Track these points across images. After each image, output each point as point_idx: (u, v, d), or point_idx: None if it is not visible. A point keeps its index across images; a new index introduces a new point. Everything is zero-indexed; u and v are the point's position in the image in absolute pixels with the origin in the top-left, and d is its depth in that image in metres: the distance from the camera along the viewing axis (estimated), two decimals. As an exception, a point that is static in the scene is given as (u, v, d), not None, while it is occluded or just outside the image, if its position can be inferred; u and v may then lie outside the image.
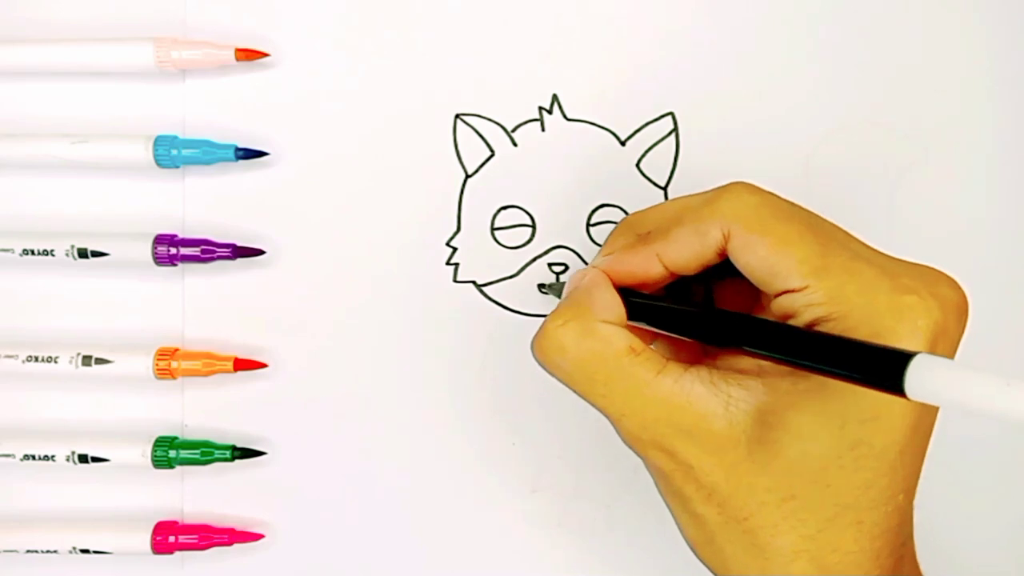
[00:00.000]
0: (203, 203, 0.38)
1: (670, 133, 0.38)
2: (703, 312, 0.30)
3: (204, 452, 0.37)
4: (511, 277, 0.38)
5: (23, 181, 0.39)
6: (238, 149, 0.37)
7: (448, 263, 0.38)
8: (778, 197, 0.29)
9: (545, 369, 0.30)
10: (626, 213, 0.38)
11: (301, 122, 0.38)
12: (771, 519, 0.27)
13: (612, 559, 0.38)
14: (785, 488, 0.27)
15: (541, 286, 0.37)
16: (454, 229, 0.38)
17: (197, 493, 0.38)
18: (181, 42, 0.37)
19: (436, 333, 0.38)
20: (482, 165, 0.38)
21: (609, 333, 0.29)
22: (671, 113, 0.38)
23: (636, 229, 0.32)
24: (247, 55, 0.37)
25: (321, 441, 0.38)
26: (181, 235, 0.38)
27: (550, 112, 0.38)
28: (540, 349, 0.29)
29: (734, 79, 0.38)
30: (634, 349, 0.28)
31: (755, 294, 0.31)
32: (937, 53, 0.38)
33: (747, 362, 0.28)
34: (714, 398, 0.28)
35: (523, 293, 0.38)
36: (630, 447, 0.30)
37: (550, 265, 0.38)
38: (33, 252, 0.37)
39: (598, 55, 0.38)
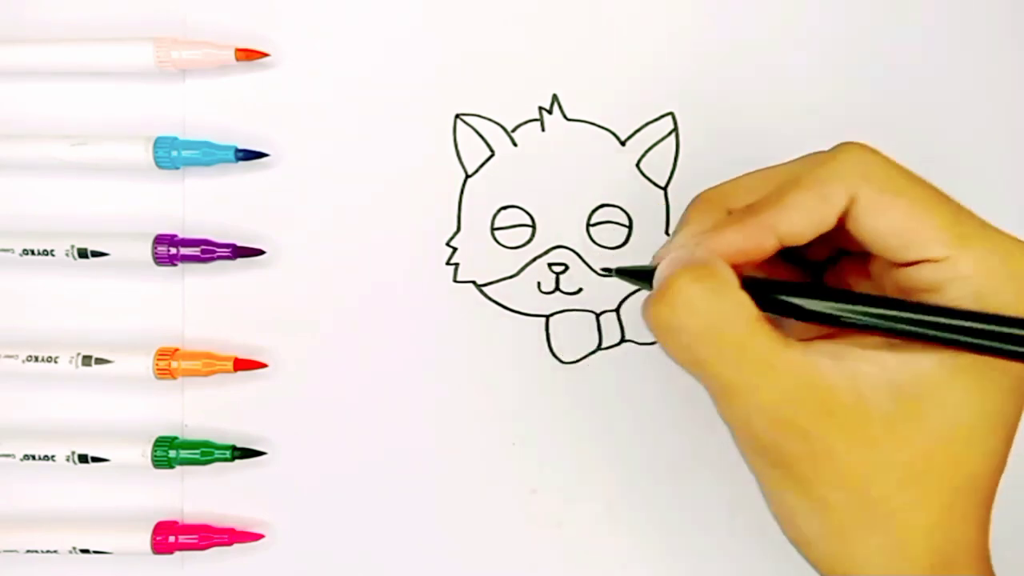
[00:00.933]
0: (203, 203, 0.38)
1: (670, 133, 0.38)
2: (835, 292, 0.27)
3: (204, 452, 0.37)
4: (511, 277, 0.38)
5: (23, 181, 0.39)
6: (238, 150, 0.37)
7: (448, 263, 0.38)
8: (892, 159, 0.27)
9: (659, 332, 0.27)
10: (626, 213, 0.38)
11: (301, 122, 0.38)
12: (909, 497, 0.26)
13: (612, 559, 0.38)
14: (923, 463, 0.25)
15: (608, 270, 0.33)
16: (454, 229, 0.38)
17: (197, 493, 0.38)
18: (181, 42, 0.37)
19: (436, 333, 0.38)
20: (482, 165, 0.38)
21: (742, 297, 0.26)
22: (671, 113, 0.38)
23: (723, 204, 0.29)
24: (247, 55, 0.37)
25: (321, 441, 0.38)
26: (181, 235, 0.38)
27: (550, 112, 0.38)
28: (667, 304, 0.26)
29: (734, 79, 0.38)
30: (760, 318, 0.26)
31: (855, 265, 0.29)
32: (937, 53, 0.38)
33: (871, 336, 0.26)
34: (841, 373, 0.26)
35: (523, 293, 0.38)
36: (745, 428, 0.27)
37: (550, 265, 0.38)
38: (33, 252, 0.37)
39: (598, 55, 0.38)
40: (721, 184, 0.30)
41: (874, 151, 0.27)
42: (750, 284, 0.27)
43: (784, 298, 0.27)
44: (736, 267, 0.27)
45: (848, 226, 0.26)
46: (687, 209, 0.30)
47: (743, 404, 0.26)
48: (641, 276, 0.30)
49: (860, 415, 0.25)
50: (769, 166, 0.30)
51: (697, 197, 0.30)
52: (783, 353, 0.26)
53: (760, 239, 0.27)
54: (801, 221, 0.26)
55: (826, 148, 0.34)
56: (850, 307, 0.26)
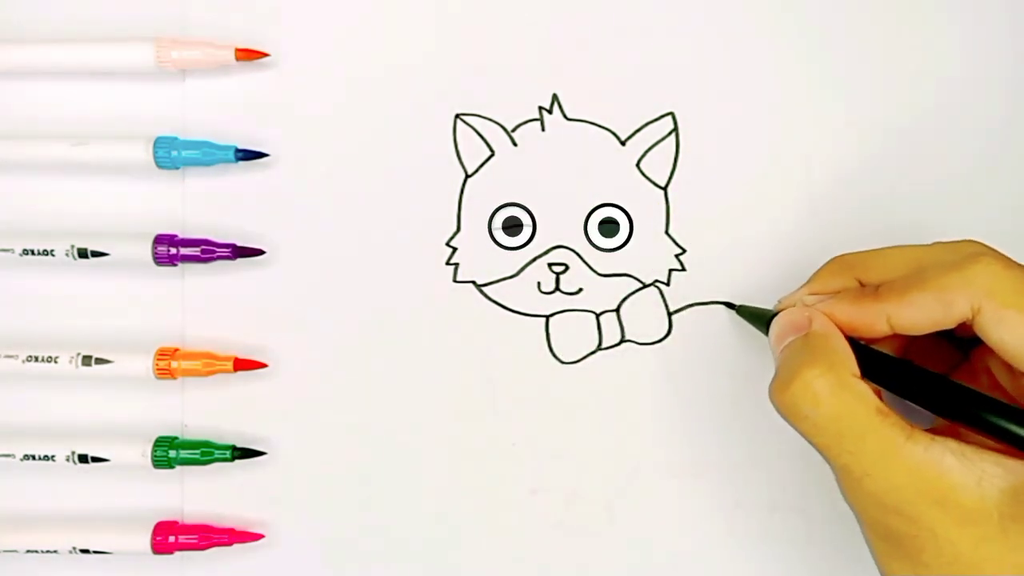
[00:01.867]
0: (203, 203, 0.38)
1: (670, 133, 0.38)
2: (958, 390, 0.28)
3: (204, 452, 0.37)
4: (511, 277, 0.38)
5: (23, 181, 0.39)
6: (238, 150, 0.37)
7: (448, 263, 0.38)
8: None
9: (785, 415, 0.29)
10: (626, 213, 0.38)
11: (301, 122, 0.38)
12: None
13: (612, 559, 0.38)
14: None
15: (730, 305, 0.37)
16: (454, 229, 0.38)
17: (197, 493, 0.38)
18: (181, 42, 0.37)
19: (436, 333, 0.38)
20: (482, 165, 0.38)
21: (863, 389, 0.28)
22: (671, 113, 0.38)
23: (856, 272, 0.31)
24: (247, 55, 0.37)
25: (321, 441, 0.38)
26: (181, 235, 0.38)
27: (550, 112, 0.38)
28: (792, 396, 0.28)
29: (734, 79, 0.38)
30: (882, 410, 0.27)
31: (955, 354, 0.30)
32: (937, 53, 0.38)
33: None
34: (966, 471, 0.27)
35: (523, 293, 0.38)
36: (858, 505, 0.28)
37: (550, 265, 0.38)
38: (33, 252, 0.37)
39: (598, 55, 0.38)
40: (862, 252, 0.32)
41: (1004, 263, 0.28)
42: (880, 365, 0.29)
43: (906, 388, 0.29)
44: (870, 340, 0.29)
45: (975, 329, 0.28)
46: (824, 265, 0.33)
47: (858, 487, 0.28)
48: (760, 318, 0.33)
49: (980, 513, 0.27)
50: (908, 245, 0.31)
51: (836, 258, 0.33)
52: (903, 446, 0.27)
53: (874, 324, 0.29)
54: (917, 319, 0.28)
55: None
56: (973, 410, 0.28)
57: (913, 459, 0.27)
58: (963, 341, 0.32)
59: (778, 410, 0.29)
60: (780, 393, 0.28)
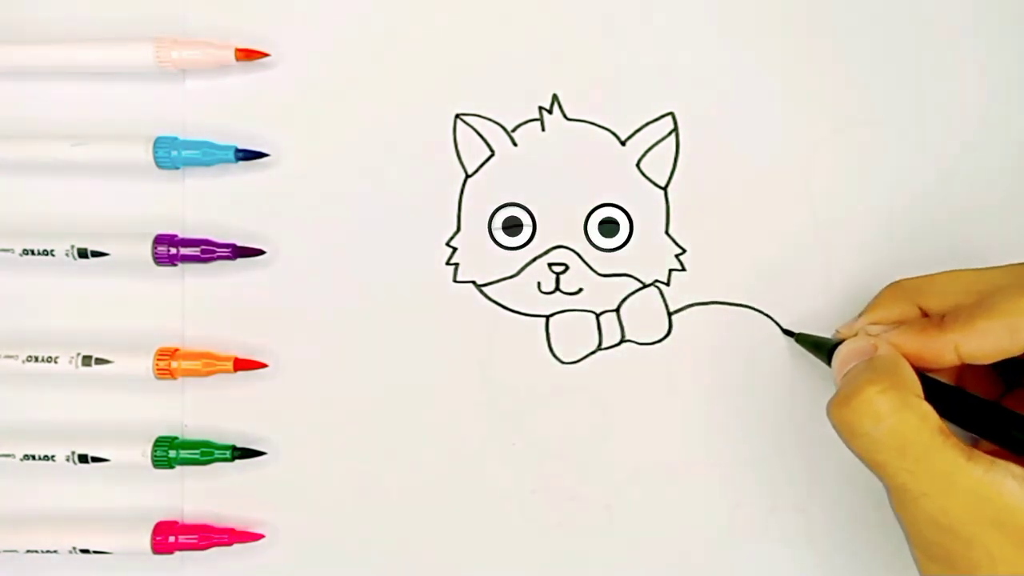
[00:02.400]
0: (203, 203, 0.38)
1: (670, 133, 0.38)
2: (1018, 419, 0.29)
3: (204, 452, 0.37)
4: (511, 277, 0.38)
5: (23, 181, 0.39)
6: (238, 150, 0.37)
7: (448, 263, 0.38)
8: None
9: (842, 431, 0.29)
10: (626, 213, 0.38)
11: (301, 122, 0.38)
12: None
13: (612, 559, 0.38)
14: None
15: (789, 332, 0.36)
16: (454, 229, 0.38)
17: (197, 493, 0.38)
18: (181, 42, 0.37)
19: (436, 333, 0.38)
20: (482, 165, 0.38)
21: (927, 409, 0.28)
22: (671, 113, 0.38)
23: (915, 299, 0.31)
24: (247, 55, 0.37)
25: (321, 441, 0.38)
26: (181, 235, 0.38)
27: (550, 112, 0.38)
28: (852, 411, 0.28)
29: (734, 79, 0.38)
30: (943, 430, 0.28)
31: (999, 383, 0.31)
32: (937, 53, 0.38)
33: None
34: None
35: (523, 293, 0.38)
36: (911, 524, 0.28)
37: (550, 265, 0.38)
38: (33, 252, 0.37)
39: (598, 55, 0.38)
40: (919, 277, 0.32)
41: None
42: (936, 392, 0.29)
43: (966, 414, 0.29)
44: (932, 370, 0.29)
45: None
46: (882, 292, 0.33)
47: (914, 506, 0.28)
48: (820, 346, 0.33)
49: None
50: (967, 270, 0.32)
51: (894, 284, 0.33)
52: (964, 467, 0.27)
53: (942, 354, 0.29)
54: (985, 348, 0.28)
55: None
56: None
57: (973, 480, 0.27)
58: (1008, 369, 0.32)
59: (835, 426, 0.29)
60: (839, 408, 0.28)
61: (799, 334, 0.36)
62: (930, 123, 0.38)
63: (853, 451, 0.29)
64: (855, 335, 0.32)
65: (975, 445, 0.28)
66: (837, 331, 0.34)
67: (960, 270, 0.32)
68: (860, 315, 0.33)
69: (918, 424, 0.27)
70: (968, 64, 0.38)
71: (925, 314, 0.31)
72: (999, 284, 0.30)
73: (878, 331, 0.31)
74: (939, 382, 0.30)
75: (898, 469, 0.28)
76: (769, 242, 0.38)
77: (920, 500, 0.28)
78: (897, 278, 0.36)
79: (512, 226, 0.38)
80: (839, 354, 0.31)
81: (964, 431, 0.30)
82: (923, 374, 0.30)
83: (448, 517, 0.38)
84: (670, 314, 0.38)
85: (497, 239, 0.38)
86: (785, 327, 0.37)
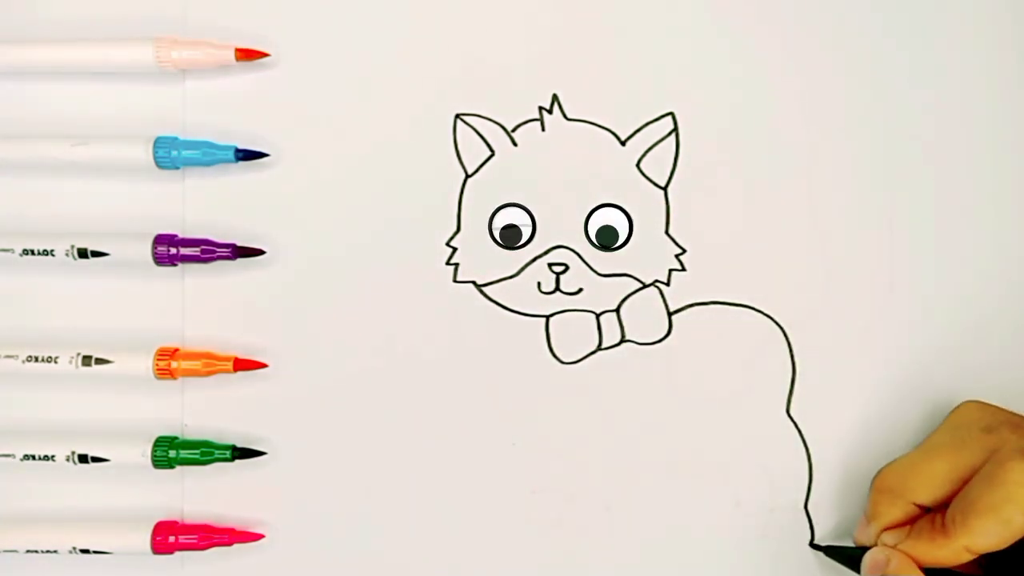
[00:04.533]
0: (203, 203, 0.38)
1: (670, 133, 0.38)
2: None
3: (204, 452, 0.37)
4: (511, 277, 0.38)
5: (23, 181, 0.39)
6: (238, 150, 0.37)
7: (448, 263, 0.38)
8: None
9: None
10: (626, 213, 0.38)
11: (301, 122, 0.38)
12: None
13: (612, 559, 0.38)
14: None
15: (817, 546, 0.37)
16: (454, 229, 0.38)
17: (197, 493, 0.38)
18: (181, 42, 0.37)
19: (436, 333, 0.38)
20: (482, 165, 0.38)
21: None
22: (671, 113, 0.38)
23: (907, 497, 0.33)
24: (247, 55, 0.37)
25: (321, 441, 0.38)
26: (181, 235, 0.38)
27: (550, 112, 0.38)
28: None
29: (734, 79, 0.38)
30: None
31: None
32: (937, 53, 0.38)
33: None
34: None
35: (523, 293, 0.38)
36: None
37: (550, 265, 0.38)
38: (33, 252, 0.37)
39: (598, 55, 0.38)
40: (894, 469, 0.34)
41: None
42: None
43: None
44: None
45: None
46: (873, 500, 0.34)
47: None
48: (845, 558, 0.35)
49: None
50: (938, 450, 0.33)
51: (877, 487, 0.34)
52: None
53: (959, 557, 0.31)
54: (989, 541, 0.30)
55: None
56: None
57: None
58: None
59: None
60: None
61: (827, 547, 0.36)
62: (930, 123, 0.38)
63: None
64: (874, 544, 0.34)
65: None
66: (855, 538, 0.35)
67: (927, 451, 0.34)
68: (869, 524, 0.34)
69: None
70: (968, 63, 0.38)
71: (919, 506, 0.33)
72: (970, 465, 0.31)
73: (894, 540, 0.33)
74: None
75: None
76: (769, 242, 0.38)
77: None
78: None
79: (512, 226, 0.38)
80: (863, 566, 0.33)
81: None
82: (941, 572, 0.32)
83: (448, 517, 0.38)
84: (670, 314, 0.38)
85: (497, 239, 0.38)
86: (815, 542, 0.37)
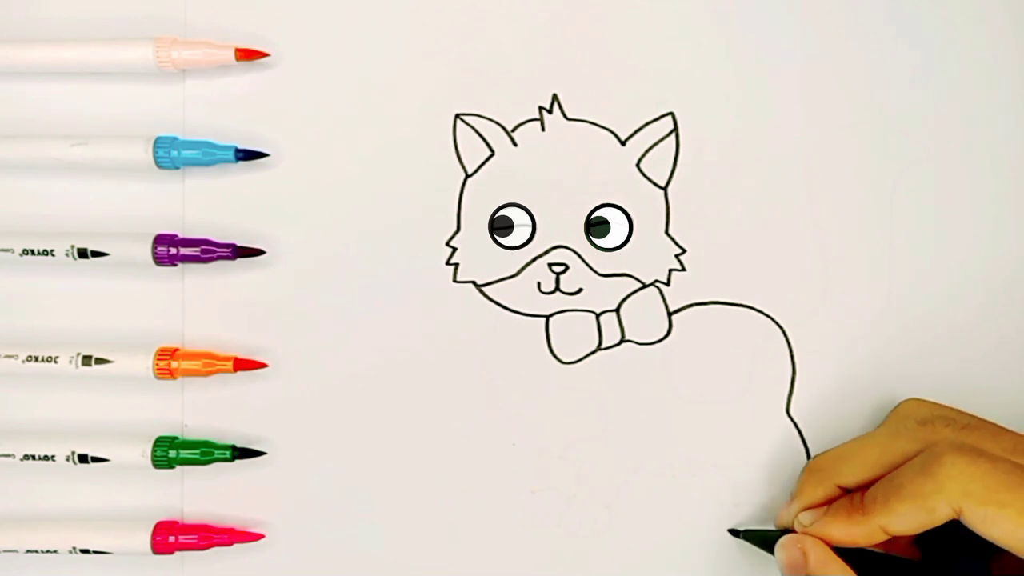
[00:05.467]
0: (203, 203, 0.38)
1: (670, 133, 0.38)
2: None
3: (204, 452, 0.37)
4: (511, 277, 0.38)
5: (23, 181, 0.39)
6: (238, 150, 0.37)
7: (448, 263, 0.38)
8: (993, 456, 0.30)
9: None
10: (626, 213, 0.38)
11: (301, 122, 0.38)
12: None
13: (612, 559, 0.38)
14: None
15: (734, 532, 0.37)
16: (454, 229, 0.38)
17: (197, 493, 0.38)
18: (181, 42, 0.37)
19: (436, 333, 0.38)
20: (482, 165, 0.38)
21: None
22: (671, 113, 0.38)
23: (833, 479, 0.34)
24: (247, 55, 0.37)
25: (321, 441, 0.38)
26: (181, 235, 0.38)
27: (550, 112, 0.38)
28: None
29: (734, 79, 0.38)
30: None
31: None
32: (937, 53, 0.38)
33: None
34: None
35: (523, 293, 0.38)
36: None
37: (550, 265, 0.38)
38: (33, 252, 0.37)
39: (598, 55, 0.38)
40: (828, 454, 0.35)
41: (977, 460, 0.29)
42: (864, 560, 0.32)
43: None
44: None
45: (965, 524, 0.29)
46: (801, 480, 0.35)
47: None
48: (765, 541, 0.35)
49: None
50: (871, 438, 0.34)
51: (809, 468, 0.35)
52: None
53: (872, 536, 0.31)
54: (909, 525, 0.30)
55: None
56: None
57: None
58: None
59: None
60: None
61: (744, 531, 0.37)
62: (930, 123, 0.38)
63: None
64: (790, 523, 0.34)
65: None
66: (777, 520, 0.36)
67: (863, 440, 0.34)
68: (791, 501, 0.35)
69: None
70: (968, 63, 0.38)
71: (845, 489, 0.34)
72: (902, 455, 0.32)
73: (810, 519, 0.33)
74: (877, 556, 0.33)
75: None
76: (769, 242, 0.38)
77: None
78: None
79: (512, 226, 0.38)
80: (779, 560, 0.33)
81: None
82: (861, 552, 0.33)
83: (448, 517, 0.38)
84: (670, 314, 0.38)
85: (497, 239, 0.38)
86: (732, 527, 0.37)
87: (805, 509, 0.34)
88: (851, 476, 0.33)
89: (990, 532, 0.28)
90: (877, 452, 0.33)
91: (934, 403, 0.35)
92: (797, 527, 0.34)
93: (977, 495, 0.29)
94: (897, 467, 0.32)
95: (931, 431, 0.33)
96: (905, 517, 0.30)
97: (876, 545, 0.33)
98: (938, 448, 0.30)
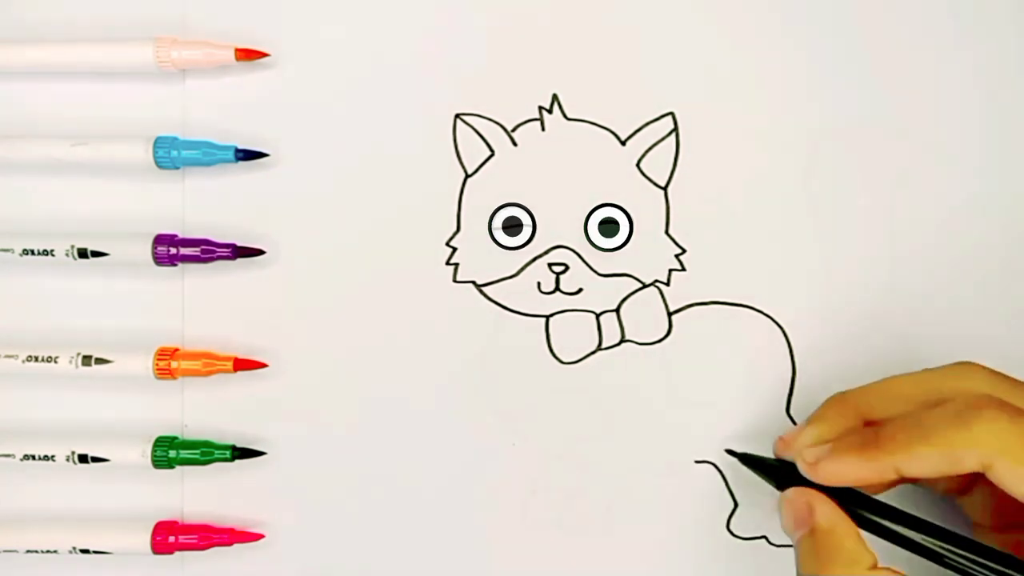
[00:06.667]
0: (203, 203, 0.38)
1: (670, 133, 0.38)
2: (945, 533, 0.30)
3: (204, 452, 0.37)
4: (511, 277, 0.38)
5: (23, 181, 0.39)
6: (238, 150, 0.37)
7: (448, 263, 0.38)
8: None
9: None
10: (626, 213, 0.38)
11: (301, 122, 0.38)
12: None
13: (612, 559, 0.38)
14: None
15: (732, 452, 0.36)
16: (454, 229, 0.38)
17: (197, 493, 0.38)
18: (181, 42, 0.37)
19: (436, 333, 0.38)
20: (482, 165, 0.38)
21: None
22: (671, 113, 0.38)
23: (860, 410, 0.32)
24: (247, 55, 0.37)
25: (321, 441, 0.38)
26: (181, 235, 0.38)
27: (550, 112, 0.38)
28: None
29: (734, 79, 0.38)
30: None
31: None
32: (937, 53, 0.38)
33: None
34: None
35: (523, 293, 0.38)
36: None
37: (550, 265, 0.38)
38: (33, 252, 0.37)
39: (598, 55, 0.38)
40: (860, 388, 0.33)
41: (1010, 414, 0.28)
42: (876, 523, 0.31)
43: (893, 528, 0.31)
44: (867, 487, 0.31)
45: (989, 479, 0.28)
46: (824, 405, 0.33)
47: None
48: (764, 467, 0.34)
49: None
50: (911, 375, 0.32)
51: (836, 397, 0.33)
52: None
53: (884, 476, 0.29)
54: (926, 471, 0.29)
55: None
56: (955, 550, 0.29)
57: None
58: None
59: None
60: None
61: (742, 454, 0.35)
62: (930, 122, 0.38)
63: None
64: (793, 453, 0.32)
65: None
66: (778, 442, 0.34)
67: (899, 377, 0.32)
68: (804, 424, 0.33)
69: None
70: (968, 63, 0.38)
71: (869, 424, 0.32)
72: (936, 396, 0.30)
73: (815, 455, 0.31)
74: (883, 507, 0.31)
75: None
76: (769, 242, 0.38)
77: None
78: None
79: (512, 226, 0.38)
80: (783, 511, 0.32)
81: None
82: (863, 499, 0.31)
83: (448, 517, 0.38)
84: (670, 314, 0.38)
85: (497, 239, 0.38)
86: (730, 448, 0.36)
87: (820, 442, 0.31)
88: (881, 410, 0.31)
89: (1017, 489, 0.28)
90: (910, 387, 0.31)
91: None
92: (799, 461, 0.31)
93: (1014, 453, 0.27)
94: (930, 407, 0.30)
95: (980, 404, 0.30)
96: (925, 461, 0.28)
97: (867, 489, 0.31)
98: (978, 401, 0.29)
